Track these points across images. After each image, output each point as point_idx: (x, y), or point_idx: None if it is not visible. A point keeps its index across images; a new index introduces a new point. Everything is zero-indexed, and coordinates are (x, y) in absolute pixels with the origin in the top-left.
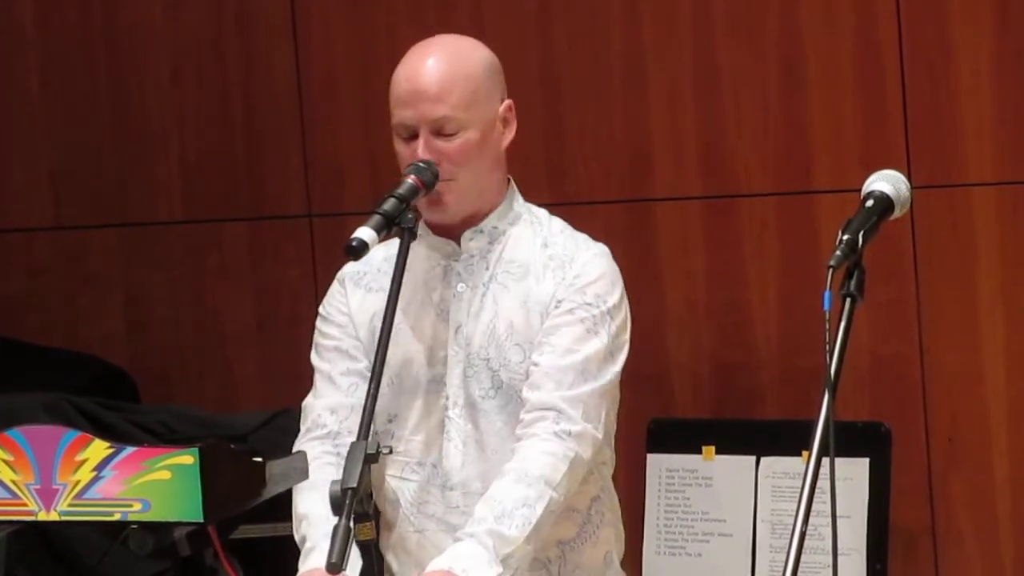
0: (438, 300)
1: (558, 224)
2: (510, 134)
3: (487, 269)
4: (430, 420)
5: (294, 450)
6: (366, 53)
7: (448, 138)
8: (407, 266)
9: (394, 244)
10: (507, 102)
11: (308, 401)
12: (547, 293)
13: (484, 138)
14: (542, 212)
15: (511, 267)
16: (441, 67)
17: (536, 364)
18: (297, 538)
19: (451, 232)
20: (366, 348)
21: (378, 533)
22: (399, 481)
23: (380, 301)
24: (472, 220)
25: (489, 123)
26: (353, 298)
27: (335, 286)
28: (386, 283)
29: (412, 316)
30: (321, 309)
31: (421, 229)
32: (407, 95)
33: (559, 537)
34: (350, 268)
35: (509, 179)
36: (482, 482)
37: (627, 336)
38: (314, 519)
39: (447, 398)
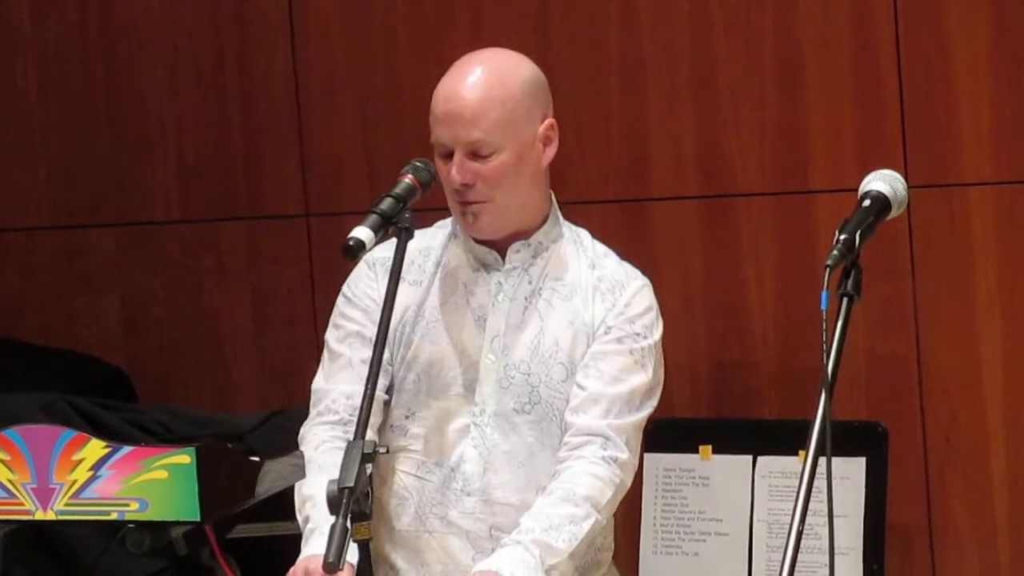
0: (476, 306)
1: (601, 248)
2: (552, 151)
3: (530, 283)
4: (454, 423)
5: (302, 431)
6: (363, 53)
7: (483, 160)
8: (447, 263)
9: (430, 234)
10: (549, 120)
11: (320, 384)
12: (596, 317)
13: (521, 158)
14: (584, 233)
15: (557, 285)
16: (479, 89)
17: (582, 388)
18: (300, 519)
19: (494, 243)
20: (390, 339)
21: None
22: (415, 479)
23: (415, 295)
24: (517, 235)
25: (527, 143)
26: (384, 286)
27: (363, 268)
28: (420, 276)
29: (449, 315)
30: (346, 290)
31: (462, 233)
32: (443, 116)
33: None
34: (381, 253)
35: (552, 195)
36: (503, 492)
37: (663, 373)
38: (319, 501)
39: (476, 405)
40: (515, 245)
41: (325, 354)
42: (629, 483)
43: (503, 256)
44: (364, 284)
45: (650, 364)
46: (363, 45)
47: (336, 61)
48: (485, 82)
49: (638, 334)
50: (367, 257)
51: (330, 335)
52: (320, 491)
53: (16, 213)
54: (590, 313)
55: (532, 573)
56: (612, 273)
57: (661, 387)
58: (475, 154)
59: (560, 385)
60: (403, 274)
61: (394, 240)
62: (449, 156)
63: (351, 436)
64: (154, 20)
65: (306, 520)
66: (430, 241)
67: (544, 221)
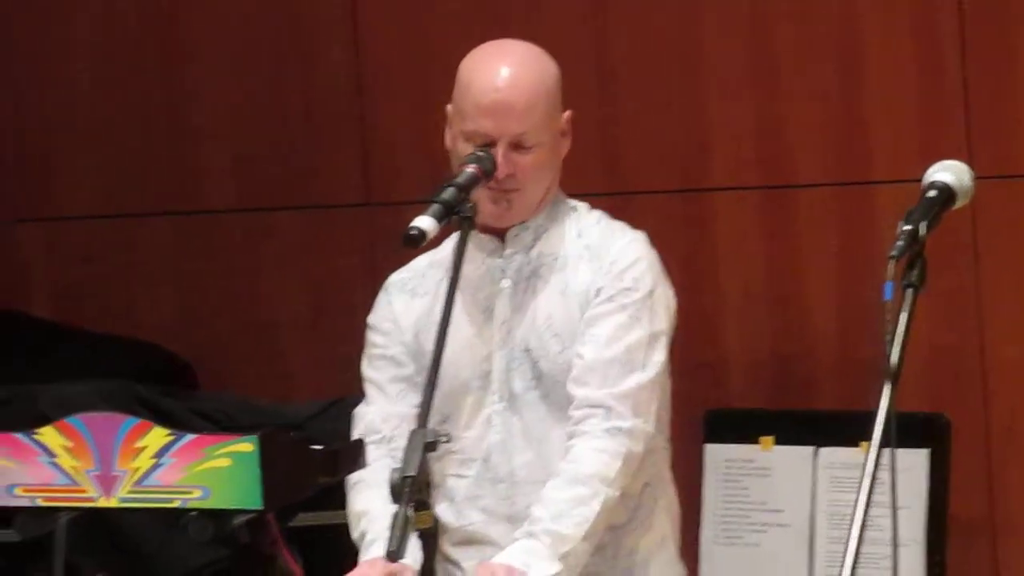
0: (483, 298)
1: (595, 214)
2: (567, 144)
3: (529, 264)
4: (479, 416)
5: None
6: (424, 41)
7: (524, 151)
8: (452, 266)
9: (440, 249)
10: (568, 112)
11: (360, 409)
12: (585, 282)
13: (553, 151)
14: (582, 205)
15: (549, 259)
16: (526, 82)
17: (580, 356)
18: (355, 535)
19: (496, 230)
20: (412, 353)
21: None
22: (455, 478)
23: (424, 305)
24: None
25: (557, 136)
26: (398, 303)
27: (380, 295)
28: (431, 287)
29: (457, 314)
30: (369, 319)
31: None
32: (492, 106)
33: (610, 522)
34: (395, 276)
35: (556, 179)
36: (528, 471)
37: (670, 323)
38: (374, 514)
39: (494, 393)
40: (514, 229)
41: (365, 383)
42: (640, 449)
43: (504, 242)
44: (381, 310)
45: (645, 316)
46: (423, 34)
47: (397, 49)
48: (530, 74)
49: (628, 288)
50: (384, 283)
51: (363, 364)
52: (374, 505)
53: (75, 201)
54: (579, 279)
55: (547, 563)
56: (599, 236)
57: (670, 336)
58: (518, 145)
59: (558, 356)
60: (415, 288)
61: (413, 260)
62: (486, 146)
63: (396, 452)
64: (210, 10)
65: (362, 535)
66: (439, 254)
67: (547, 206)
